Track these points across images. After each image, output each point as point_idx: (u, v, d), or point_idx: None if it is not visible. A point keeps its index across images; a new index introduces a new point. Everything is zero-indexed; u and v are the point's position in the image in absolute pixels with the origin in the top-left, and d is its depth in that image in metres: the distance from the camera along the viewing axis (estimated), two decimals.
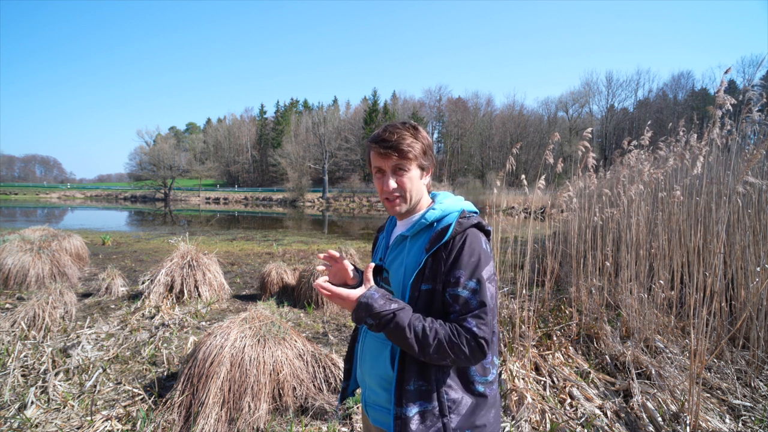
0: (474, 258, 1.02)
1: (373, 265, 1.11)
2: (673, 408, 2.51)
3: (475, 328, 0.98)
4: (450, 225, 1.05)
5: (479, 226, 1.09)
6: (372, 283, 1.06)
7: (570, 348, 3.30)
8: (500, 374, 2.80)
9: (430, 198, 1.22)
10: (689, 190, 3.81)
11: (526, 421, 2.44)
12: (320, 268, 1.30)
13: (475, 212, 1.14)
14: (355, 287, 1.25)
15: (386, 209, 1.18)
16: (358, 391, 1.32)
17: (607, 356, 3.21)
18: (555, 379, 2.89)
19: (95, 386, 2.83)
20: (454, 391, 1.05)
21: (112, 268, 5.65)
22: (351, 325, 4.32)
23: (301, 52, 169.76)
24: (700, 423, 2.34)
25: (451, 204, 1.14)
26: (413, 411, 1.02)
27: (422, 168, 1.13)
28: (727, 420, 2.45)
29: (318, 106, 67.00)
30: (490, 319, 1.00)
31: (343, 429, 2.43)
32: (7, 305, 4.65)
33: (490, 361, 1.09)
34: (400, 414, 1.03)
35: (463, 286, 1.00)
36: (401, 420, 1.03)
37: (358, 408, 2.57)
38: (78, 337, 3.68)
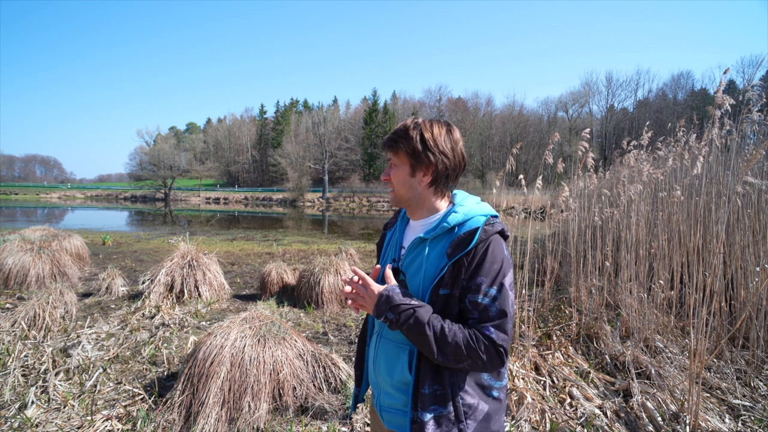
0: (496, 265, 1.01)
1: (390, 266, 1.13)
2: (673, 408, 2.52)
3: (494, 335, 0.97)
4: (475, 231, 1.03)
5: (502, 233, 1.07)
6: (394, 281, 1.08)
7: (570, 348, 3.30)
8: None
9: (449, 198, 1.18)
10: (689, 190, 3.81)
11: (525, 420, 2.44)
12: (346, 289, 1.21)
13: (496, 216, 1.11)
14: None
15: None
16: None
17: (606, 356, 3.21)
18: (555, 379, 2.89)
19: (95, 386, 2.83)
20: (471, 397, 1.04)
21: (113, 268, 5.65)
22: (351, 325, 4.33)
23: (301, 52, 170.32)
24: (700, 423, 2.34)
25: (472, 207, 1.11)
26: (428, 416, 1.02)
27: (412, 167, 1.10)
28: (727, 420, 2.46)
29: (318, 106, 66.97)
30: (510, 326, 1.01)
31: (343, 429, 2.43)
32: (8, 305, 4.65)
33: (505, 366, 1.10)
34: (416, 418, 1.03)
35: (484, 294, 1.00)
36: (417, 424, 1.02)
37: (358, 408, 2.58)
38: (78, 336, 3.68)
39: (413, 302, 1.01)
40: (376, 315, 1.03)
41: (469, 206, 1.11)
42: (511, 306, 1.02)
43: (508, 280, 1.03)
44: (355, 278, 1.09)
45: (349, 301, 1.10)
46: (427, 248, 1.09)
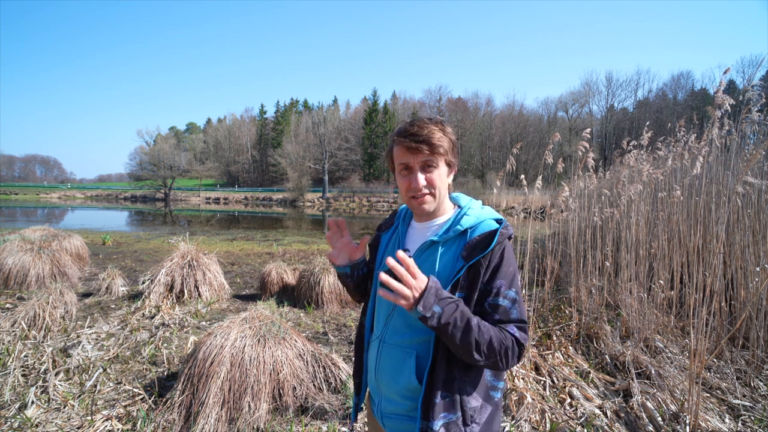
0: (511, 268, 1.05)
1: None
2: (673, 408, 2.52)
3: (518, 335, 1.00)
4: (491, 234, 1.03)
5: (510, 237, 1.10)
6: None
7: (570, 348, 3.30)
8: None
9: (452, 201, 1.18)
10: (689, 190, 3.81)
11: (525, 420, 2.44)
12: (329, 253, 1.29)
13: (503, 219, 1.12)
14: (360, 261, 1.27)
15: (411, 208, 1.14)
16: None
17: (606, 356, 3.21)
18: (555, 379, 2.89)
19: (95, 386, 2.84)
20: (475, 399, 1.04)
21: (113, 268, 5.65)
22: (351, 325, 4.32)
23: (301, 52, 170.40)
24: (700, 423, 2.34)
25: (481, 211, 1.12)
26: (439, 424, 1.01)
27: (449, 165, 1.11)
28: (727, 420, 2.46)
29: (318, 106, 66.98)
30: (527, 325, 1.05)
31: (343, 429, 2.43)
32: (8, 305, 4.65)
33: None
34: (426, 428, 1.01)
35: (504, 296, 1.02)
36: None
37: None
38: (78, 336, 3.68)
39: (454, 296, 0.97)
40: (422, 308, 0.90)
41: (478, 210, 1.13)
42: (525, 306, 1.07)
43: (519, 280, 1.07)
44: (400, 268, 0.90)
45: (382, 291, 0.91)
46: (439, 251, 1.08)
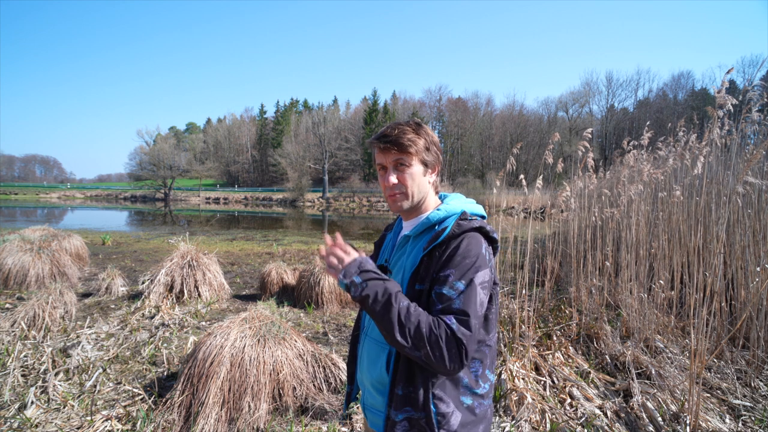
0: (468, 260, 0.97)
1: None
2: (673, 408, 2.52)
3: (454, 326, 0.91)
4: (448, 226, 1.04)
5: (482, 231, 1.05)
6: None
7: (570, 348, 3.30)
8: (500, 374, 2.80)
9: (440, 199, 1.20)
10: (689, 190, 3.81)
11: (526, 421, 2.44)
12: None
13: (481, 216, 1.11)
14: None
15: (389, 206, 1.16)
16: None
17: (607, 356, 3.21)
18: (555, 379, 2.89)
19: (95, 386, 2.83)
20: (445, 405, 1.00)
21: (112, 268, 5.65)
22: (351, 325, 4.32)
23: (301, 52, 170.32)
24: (700, 423, 2.34)
25: (456, 205, 1.11)
26: (401, 416, 1.01)
27: (425, 164, 1.12)
28: (727, 420, 2.46)
29: (318, 106, 67.06)
30: (475, 324, 0.93)
31: (343, 429, 2.43)
32: (7, 305, 4.65)
33: (482, 374, 1.05)
34: (389, 416, 1.02)
35: (450, 286, 0.95)
36: (390, 422, 1.02)
37: (358, 408, 2.57)
38: (78, 337, 3.68)
39: (385, 276, 1.00)
40: (343, 276, 0.98)
41: (452, 205, 1.11)
42: (480, 306, 0.96)
43: (481, 277, 0.97)
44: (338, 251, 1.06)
45: (324, 262, 1.09)
46: (410, 244, 1.13)
